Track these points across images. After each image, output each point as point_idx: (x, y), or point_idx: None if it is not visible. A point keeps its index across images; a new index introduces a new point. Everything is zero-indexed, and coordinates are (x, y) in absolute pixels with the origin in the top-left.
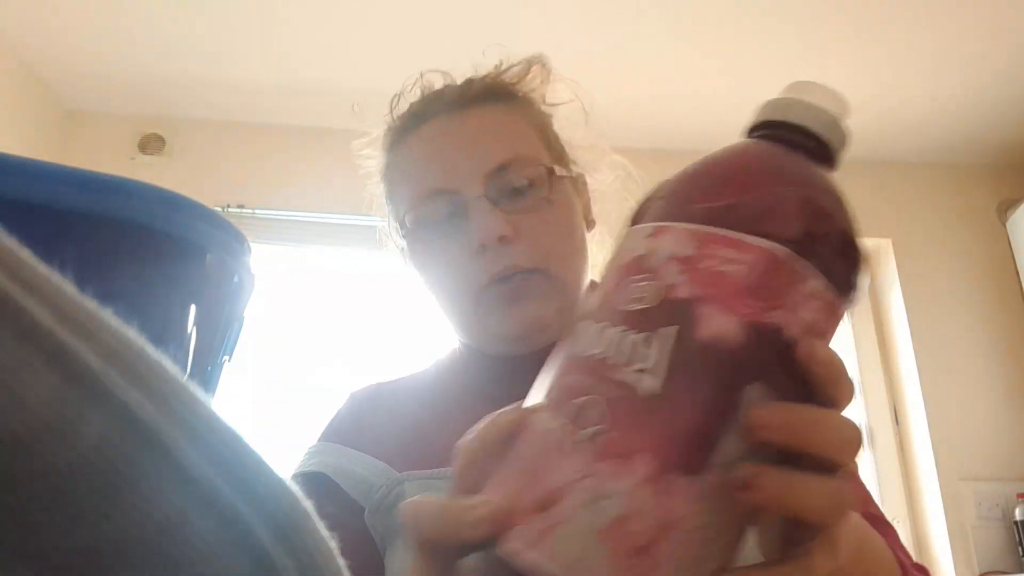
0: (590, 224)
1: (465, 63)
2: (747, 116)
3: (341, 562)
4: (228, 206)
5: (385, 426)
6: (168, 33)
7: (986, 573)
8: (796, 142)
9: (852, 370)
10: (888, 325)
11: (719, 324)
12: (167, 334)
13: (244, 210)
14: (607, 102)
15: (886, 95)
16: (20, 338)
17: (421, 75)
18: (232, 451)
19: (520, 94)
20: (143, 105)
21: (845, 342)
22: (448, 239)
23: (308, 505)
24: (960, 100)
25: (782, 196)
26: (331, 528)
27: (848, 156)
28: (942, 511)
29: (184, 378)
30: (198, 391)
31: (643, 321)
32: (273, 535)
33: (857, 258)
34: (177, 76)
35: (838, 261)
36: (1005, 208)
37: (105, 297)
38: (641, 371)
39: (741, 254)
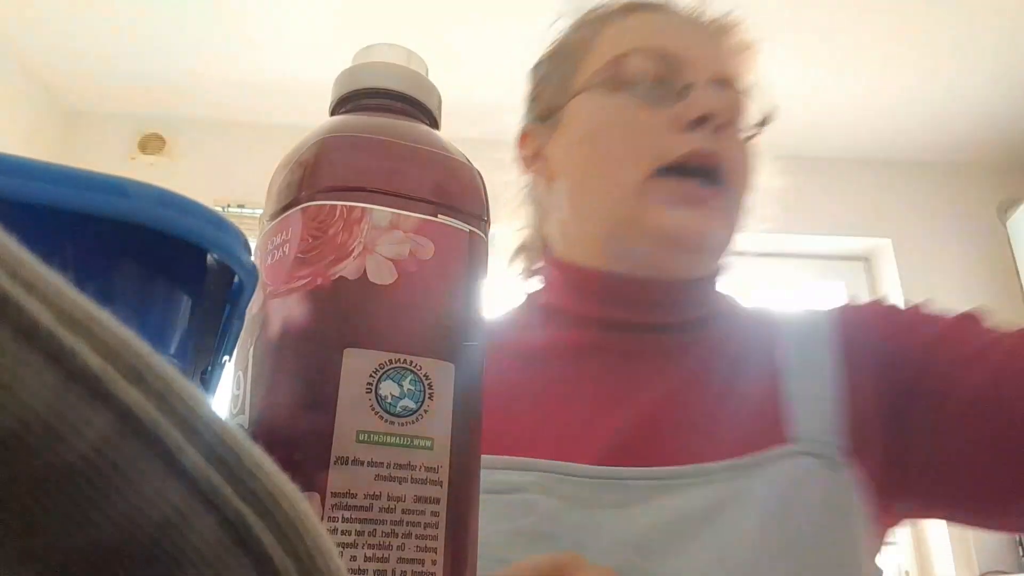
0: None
1: (479, 66)
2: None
3: (341, 563)
4: (228, 206)
5: None
6: (168, 33)
7: (986, 573)
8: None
9: None
10: None
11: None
12: (167, 334)
13: (244, 210)
14: None
15: (886, 95)
16: (20, 337)
17: None
18: (232, 451)
19: (747, 54)
20: (143, 105)
21: None
22: (647, 106)
23: (308, 504)
24: (960, 100)
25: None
26: None
27: (848, 156)
28: None
29: (184, 378)
30: (198, 391)
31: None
32: (273, 535)
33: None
34: (177, 76)
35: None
36: (1005, 208)
37: (105, 297)
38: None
39: (286, 231)
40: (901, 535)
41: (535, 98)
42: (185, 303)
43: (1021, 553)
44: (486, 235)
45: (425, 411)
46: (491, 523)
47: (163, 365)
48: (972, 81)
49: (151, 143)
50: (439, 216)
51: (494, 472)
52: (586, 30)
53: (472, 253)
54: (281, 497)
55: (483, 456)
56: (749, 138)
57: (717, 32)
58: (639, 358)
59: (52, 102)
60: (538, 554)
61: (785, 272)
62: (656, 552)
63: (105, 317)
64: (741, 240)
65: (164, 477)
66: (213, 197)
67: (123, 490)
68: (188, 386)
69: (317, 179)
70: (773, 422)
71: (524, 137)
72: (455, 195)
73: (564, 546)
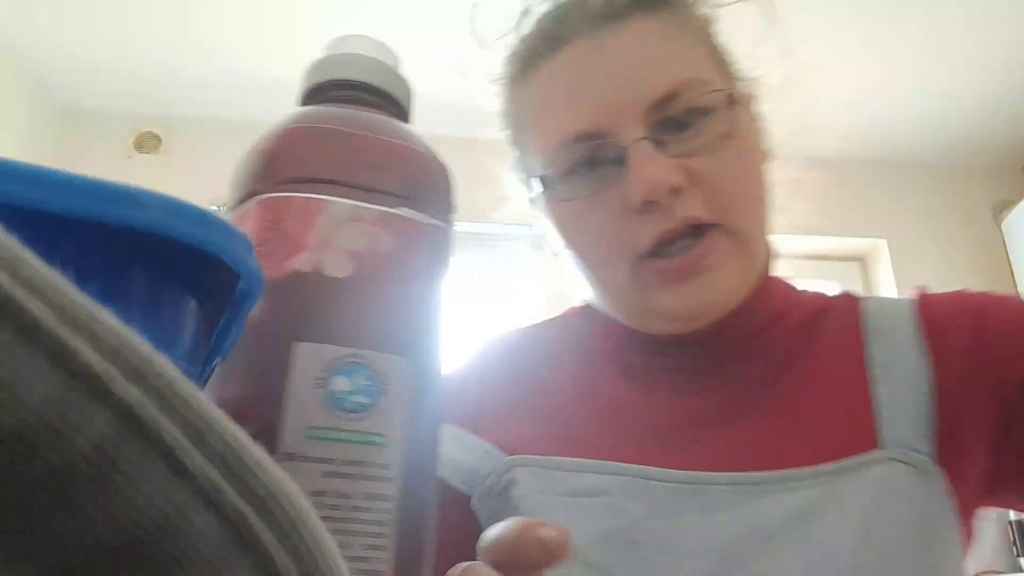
0: (766, 157)
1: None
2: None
3: (343, 563)
4: (224, 204)
5: (508, 389)
6: (164, 30)
7: (981, 573)
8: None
9: None
10: None
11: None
12: (176, 337)
13: None
14: None
15: (882, 96)
16: (21, 337)
17: None
18: (233, 450)
19: (687, 4)
20: (139, 103)
21: None
22: (598, 196)
23: (308, 504)
24: (956, 101)
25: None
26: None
27: (844, 157)
28: None
29: (185, 378)
30: (199, 391)
31: None
32: (274, 535)
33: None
34: (173, 74)
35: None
36: (1000, 209)
37: (115, 301)
38: None
39: (243, 224)
40: None
41: (516, 169)
42: (192, 307)
43: (1016, 553)
44: (450, 228)
45: (378, 407)
46: (577, 525)
47: (164, 364)
48: (967, 82)
49: (147, 141)
50: (400, 209)
51: (581, 475)
52: (513, 104)
53: (434, 246)
54: (282, 496)
55: (570, 459)
56: (727, 127)
57: (633, 37)
58: (711, 370)
59: (48, 100)
60: (624, 557)
61: (779, 272)
62: (742, 558)
63: (106, 317)
64: (777, 240)
65: (165, 476)
66: (209, 196)
67: (124, 489)
68: (189, 386)
69: (274, 171)
70: (861, 426)
71: (534, 210)
72: (418, 188)
73: (649, 551)
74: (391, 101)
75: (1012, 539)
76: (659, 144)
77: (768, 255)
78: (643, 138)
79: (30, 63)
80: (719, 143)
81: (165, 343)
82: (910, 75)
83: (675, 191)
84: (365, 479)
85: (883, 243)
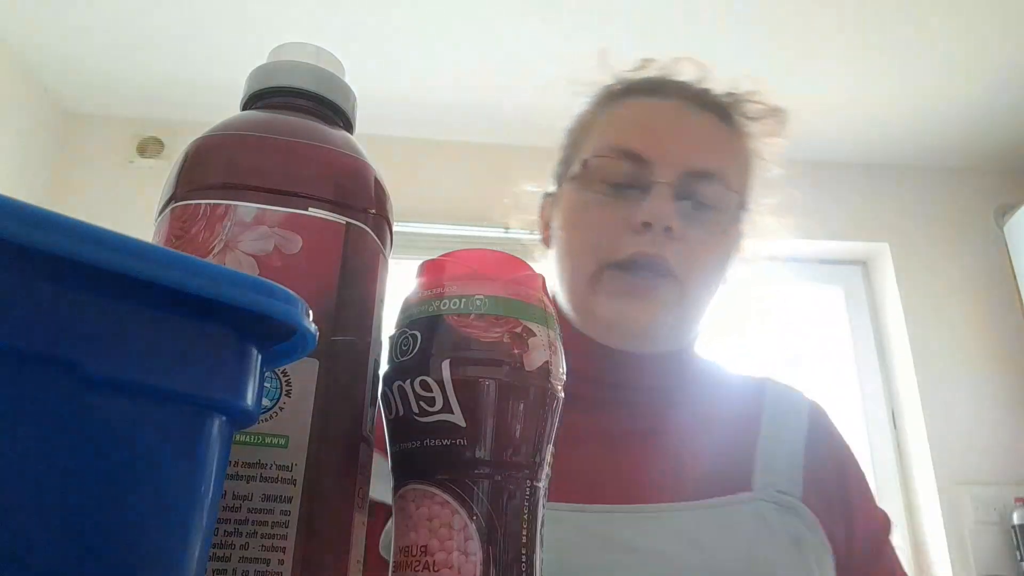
0: (730, 264)
1: (492, 67)
2: None
3: None
4: None
5: None
6: (167, 36)
7: None
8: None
9: (850, 373)
10: (885, 328)
11: None
12: (245, 385)
13: None
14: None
15: (884, 98)
16: None
17: (673, 59)
18: None
19: (752, 132)
20: (141, 108)
21: (843, 345)
22: (611, 202)
23: None
24: (959, 104)
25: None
26: None
27: (847, 160)
28: (940, 515)
29: None
30: None
31: None
32: None
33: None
34: (176, 79)
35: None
36: (1003, 212)
37: (205, 359)
38: None
39: (158, 233)
40: (899, 539)
41: (556, 167)
42: (255, 356)
43: (1019, 558)
44: (371, 227)
45: (281, 408)
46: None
47: None
48: (969, 85)
49: (150, 147)
50: (310, 210)
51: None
52: (593, 110)
53: (350, 246)
54: None
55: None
56: (725, 225)
57: (711, 125)
58: (632, 413)
59: (51, 105)
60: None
61: (783, 276)
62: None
63: None
64: (706, 323)
65: None
66: None
67: None
68: None
69: (185, 179)
70: (741, 470)
71: (543, 206)
72: (332, 188)
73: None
74: (327, 105)
75: (1015, 543)
76: (678, 198)
77: (697, 334)
78: (671, 184)
79: (34, 68)
80: (714, 233)
81: (240, 389)
82: (912, 78)
83: (668, 231)
84: (264, 480)
85: (885, 246)
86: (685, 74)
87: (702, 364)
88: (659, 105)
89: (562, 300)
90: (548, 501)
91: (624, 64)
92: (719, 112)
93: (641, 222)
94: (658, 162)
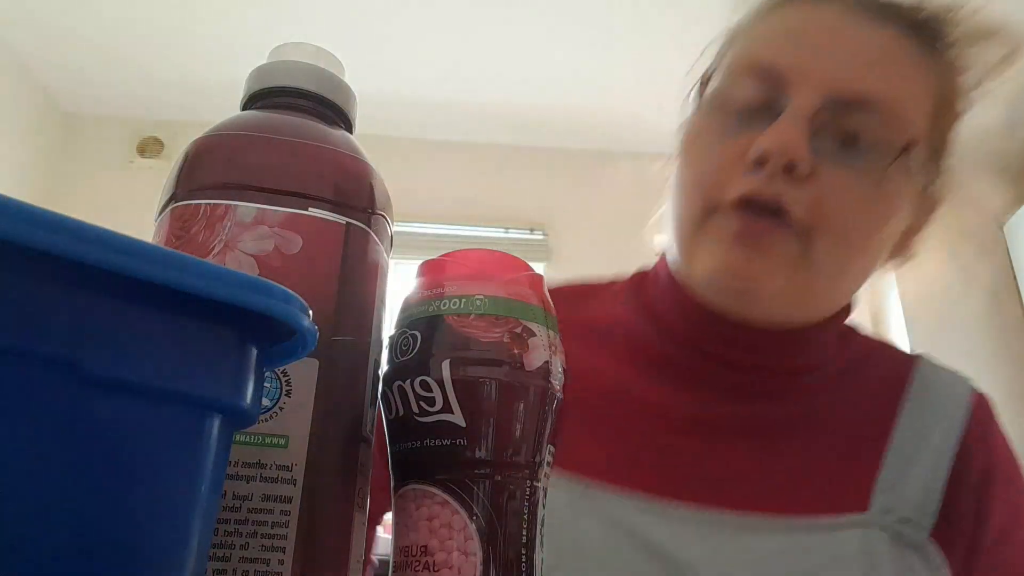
0: (900, 251)
1: (493, 67)
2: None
3: None
4: None
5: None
6: (167, 37)
7: None
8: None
9: None
10: (885, 329)
11: None
12: (246, 384)
13: None
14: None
15: None
16: None
17: None
18: None
19: (953, 58)
20: (142, 108)
21: None
22: (733, 130)
23: None
24: None
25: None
26: None
27: None
28: None
29: None
30: None
31: None
32: None
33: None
34: (176, 79)
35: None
36: (1003, 213)
37: (210, 359)
38: None
39: (158, 234)
40: None
41: (695, 87)
42: (254, 355)
43: None
44: (371, 227)
45: (281, 408)
46: (611, 550)
47: None
48: None
49: (150, 146)
50: (310, 210)
51: (608, 499)
52: (745, 20)
53: (350, 246)
54: None
55: (596, 488)
56: (874, 170)
57: (885, 41)
58: (737, 397)
59: (51, 105)
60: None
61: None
62: None
63: None
64: (850, 298)
65: None
66: None
67: None
68: None
69: (185, 179)
70: (860, 485)
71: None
72: (331, 188)
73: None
74: (327, 104)
75: None
76: (813, 129)
77: (844, 309)
78: (808, 112)
79: (34, 69)
80: (864, 177)
81: (241, 389)
82: None
83: (790, 168)
84: (264, 480)
85: None
86: None
87: (834, 345)
88: (820, 10)
89: (670, 248)
90: (610, 484)
91: None
92: (907, 27)
93: (755, 157)
94: (796, 80)
